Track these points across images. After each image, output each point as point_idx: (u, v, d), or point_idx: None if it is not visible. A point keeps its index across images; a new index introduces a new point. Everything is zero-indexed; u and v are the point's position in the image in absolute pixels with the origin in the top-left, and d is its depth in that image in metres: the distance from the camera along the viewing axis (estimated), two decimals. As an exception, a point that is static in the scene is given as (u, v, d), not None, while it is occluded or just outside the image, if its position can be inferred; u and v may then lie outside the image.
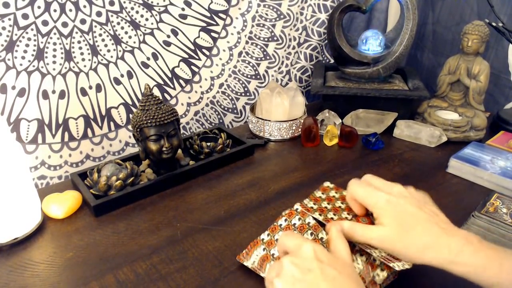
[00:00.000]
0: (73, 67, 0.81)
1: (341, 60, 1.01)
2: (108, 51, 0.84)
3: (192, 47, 0.95)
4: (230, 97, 1.06)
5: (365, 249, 0.49)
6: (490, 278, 0.43)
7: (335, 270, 0.40)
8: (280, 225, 0.56)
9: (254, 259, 0.55)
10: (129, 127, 0.92)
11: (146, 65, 0.90)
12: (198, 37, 0.95)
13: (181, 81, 0.97)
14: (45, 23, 0.75)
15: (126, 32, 0.85)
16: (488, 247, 0.45)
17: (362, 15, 1.13)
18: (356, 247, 0.51)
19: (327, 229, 0.50)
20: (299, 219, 0.54)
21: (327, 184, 0.63)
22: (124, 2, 0.82)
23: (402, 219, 0.46)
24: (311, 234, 0.52)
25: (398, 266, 0.47)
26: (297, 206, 0.57)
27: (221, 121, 1.07)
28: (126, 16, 0.84)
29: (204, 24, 0.94)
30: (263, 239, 0.56)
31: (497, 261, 0.44)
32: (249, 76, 1.06)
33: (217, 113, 1.06)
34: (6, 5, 0.71)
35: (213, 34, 0.97)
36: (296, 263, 0.41)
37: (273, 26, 1.04)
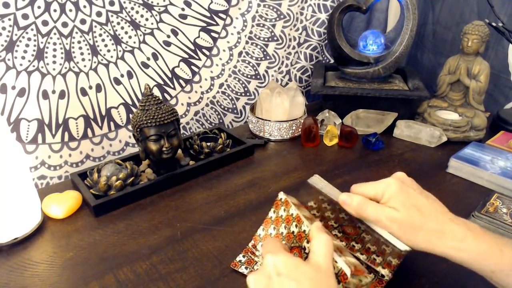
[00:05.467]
0: (73, 67, 0.81)
1: (341, 60, 1.01)
2: (108, 51, 0.84)
3: (192, 47, 0.95)
4: (230, 97, 1.06)
5: (366, 229, 0.51)
6: (490, 265, 0.44)
7: (294, 281, 0.39)
8: (271, 217, 0.55)
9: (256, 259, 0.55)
10: (129, 127, 0.92)
11: (146, 65, 0.90)
12: (198, 37, 0.95)
13: (181, 81, 0.97)
14: (45, 23, 0.75)
15: (126, 32, 0.85)
16: (489, 234, 0.46)
17: (362, 15, 1.13)
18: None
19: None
20: (284, 210, 0.54)
21: (281, 196, 0.56)
22: (124, 2, 0.82)
23: (413, 206, 0.48)
24: (296, 226, 0.51)
25: (384, 273, 0.50)
26: (281, 195, 0.56)
27: (221, 121, 1.07)
28: (126, 16, 0.84)
29: (204, 24, 0.94)
30: (259, 235, 0.56)
31: (497, 247, 0.45)
32: (249, 76, 1.06)
33: (217, 113, 1.06)
34: (6, 5, 0.71)
35: (213, 34, 0.97)
36: (257, 278, 0.41)
37: (273, 26, 1.04)
